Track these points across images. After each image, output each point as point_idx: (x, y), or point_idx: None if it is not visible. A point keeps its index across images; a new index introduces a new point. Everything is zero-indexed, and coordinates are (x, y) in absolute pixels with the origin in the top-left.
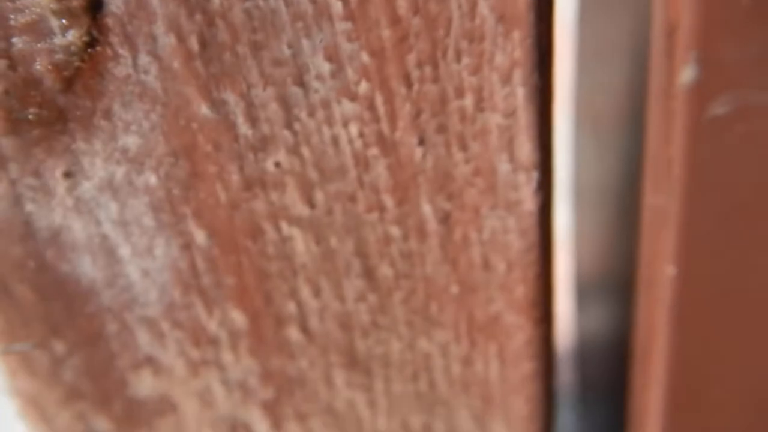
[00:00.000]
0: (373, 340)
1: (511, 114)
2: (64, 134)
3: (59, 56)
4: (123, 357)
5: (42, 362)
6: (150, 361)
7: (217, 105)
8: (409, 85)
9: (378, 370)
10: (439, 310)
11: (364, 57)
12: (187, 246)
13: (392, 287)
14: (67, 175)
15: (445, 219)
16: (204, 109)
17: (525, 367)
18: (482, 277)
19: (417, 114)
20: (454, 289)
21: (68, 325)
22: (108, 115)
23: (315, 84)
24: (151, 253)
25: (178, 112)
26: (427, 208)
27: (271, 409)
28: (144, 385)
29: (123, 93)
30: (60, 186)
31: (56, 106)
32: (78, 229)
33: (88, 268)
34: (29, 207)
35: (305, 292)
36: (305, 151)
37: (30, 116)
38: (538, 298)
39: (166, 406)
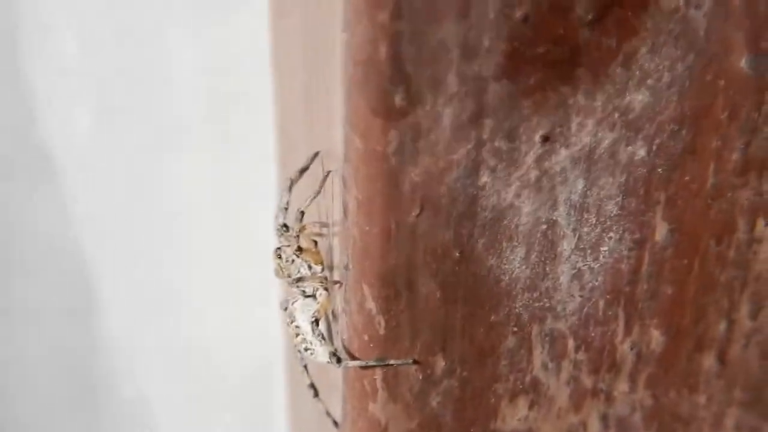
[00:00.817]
0: None
1: None
2: (565, 83)
3: None
4: (506, 381)
5: (412, 383)
6: (533, 388)
7: (760, 58)
8: None
9: None
10: None
11: None
12: (642, 242)
13: None
14: (546, 139)
15: None
16: (742, 62)
17: None
18: None
19: None
20: None
21: (462, 336)
22: (629, 61)
23: None
24: (596, 249)
25: (710, 63)
26: None
27: None
28: (515, 417)
29: (659, 32)
30: (531, 153)
31: (574, 43)
32: (527, 212)
33: (516, 264)
34: (484, 179)
35: (744, 311)
36: None
37: (538, 54)
38: None
39: None
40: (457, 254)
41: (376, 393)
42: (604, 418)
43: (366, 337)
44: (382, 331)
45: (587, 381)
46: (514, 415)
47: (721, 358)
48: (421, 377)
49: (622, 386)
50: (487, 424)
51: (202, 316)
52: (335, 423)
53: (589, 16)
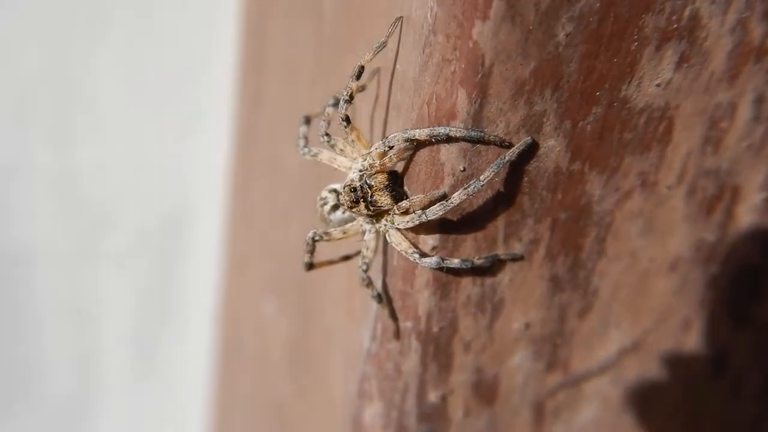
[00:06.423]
0: None
1: None
2: None
3: None
4: (660, 12)
5: None
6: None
7: None
8: None
9: None
10: None
11: None
12: None
13: None
14: None
15: None
16: None
17: None
18: None
19: None
20: None
21: None
22: None
23: None
24: None
25: None
26: None
27: None
28: (653, 81)
29: None
30: None
31: None
32: None
33: None
34: None
35: None
36: None
37: None
38: None
39: None
40: None
41: (489, 6)
42: None
43: None
44: None
45: None
46: (654, 77)
47: None
48: None
49: None
50: (617, 86)
51: None
52: None
53: None
